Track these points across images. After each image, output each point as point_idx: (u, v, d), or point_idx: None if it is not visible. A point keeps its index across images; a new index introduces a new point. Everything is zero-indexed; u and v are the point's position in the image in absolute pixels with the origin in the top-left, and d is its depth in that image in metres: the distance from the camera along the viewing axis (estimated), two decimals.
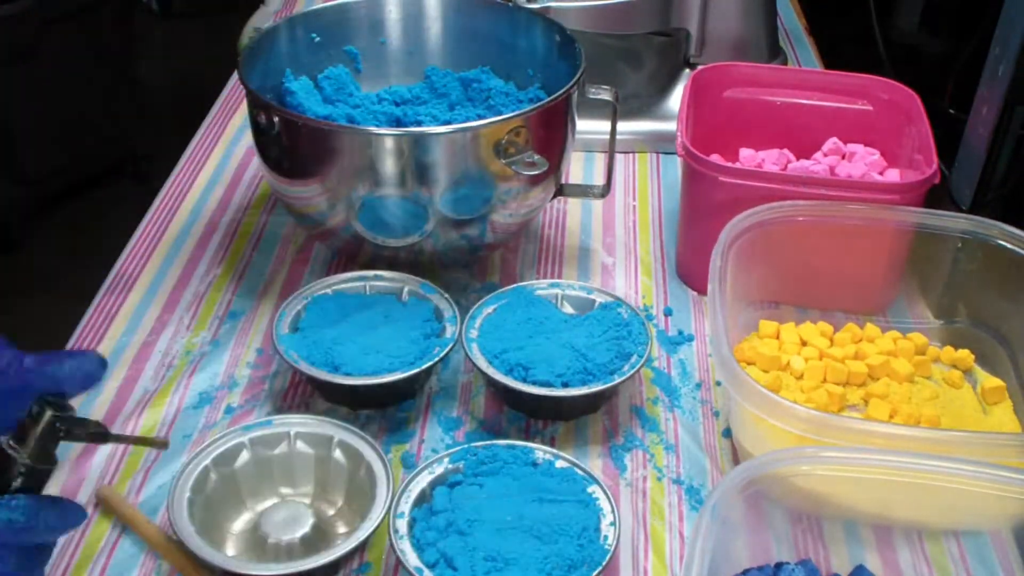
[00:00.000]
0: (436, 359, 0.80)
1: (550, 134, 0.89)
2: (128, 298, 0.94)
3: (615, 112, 0.94)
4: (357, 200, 0.85)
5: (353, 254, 0.95)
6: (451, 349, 0.81)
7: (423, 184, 0.84)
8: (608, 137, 0.96)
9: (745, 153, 1.05)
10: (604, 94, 0.92)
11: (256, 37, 0.95)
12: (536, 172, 0.84)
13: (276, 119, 0.85)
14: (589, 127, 1.04)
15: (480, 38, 1.03)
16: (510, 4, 1.03)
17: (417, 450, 0.80)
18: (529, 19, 1.00)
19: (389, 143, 0.82)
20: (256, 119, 0.88)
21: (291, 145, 0.86)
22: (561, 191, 0.97)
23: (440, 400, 0.85)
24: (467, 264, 0.98)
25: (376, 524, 0.68)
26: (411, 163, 0.83)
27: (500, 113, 0.97)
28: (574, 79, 0.89)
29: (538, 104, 0.86)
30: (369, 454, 0.73)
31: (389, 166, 0.83)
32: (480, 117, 0.99)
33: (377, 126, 0.96)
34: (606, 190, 0.99)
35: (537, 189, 0.91)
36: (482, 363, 0.80)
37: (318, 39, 1.00)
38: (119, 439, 0.64)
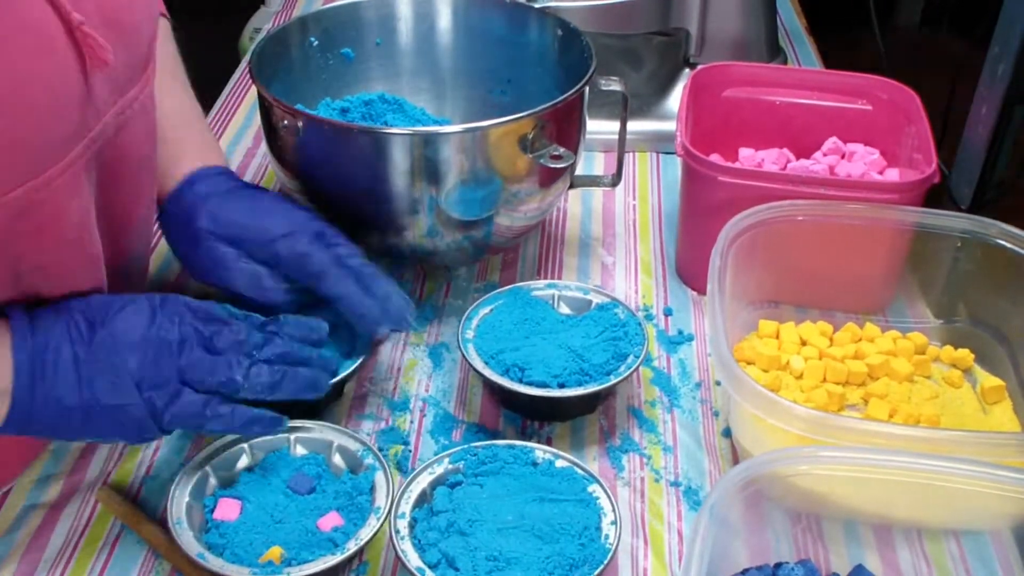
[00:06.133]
0: None
1: (569, 128, 0.89)
2: None
3: (626, 101, 0.94)
4: (379, 199, 0.85)
5: (361, 248, 0.95)
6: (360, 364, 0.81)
7: (435, 182, 0.83)
8: (605, 134, 0.96)
9: (745, 153, 1.05)
10: (615, 85, 0.93)
11: (262, 41, 0.95)
12: (563, 165, 0.84)
13: (300, 123, 0.84)
14: (588, 126, 1.04)
15: (484, 36, 1.03)
16: (509, 1, 1.03)
17: (413, 451, 0.80)
18: (533, 16, 1.01)
19: (408, 142, 0.82)
20: (276, 122, 0.87)
21: (321, 148, 0.85)
22: (572, 183, 0.97)
23: (436, 401, 0.85)
24: (475, 262, 0.99)
25: (376, 528, 0.68)
26: (422, 161, 0.82)
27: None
28: (589, 72, 0.89)
29: (560, 99, 0.85)
30: (368, 458, 0.73)
31: (408, 164, 0.83)
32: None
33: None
34: (616, 179, 0.99)
35: (557, 183, 0.91)
36: (478, 364, 0.80)
37: (316, 42, 1.00)
38: None
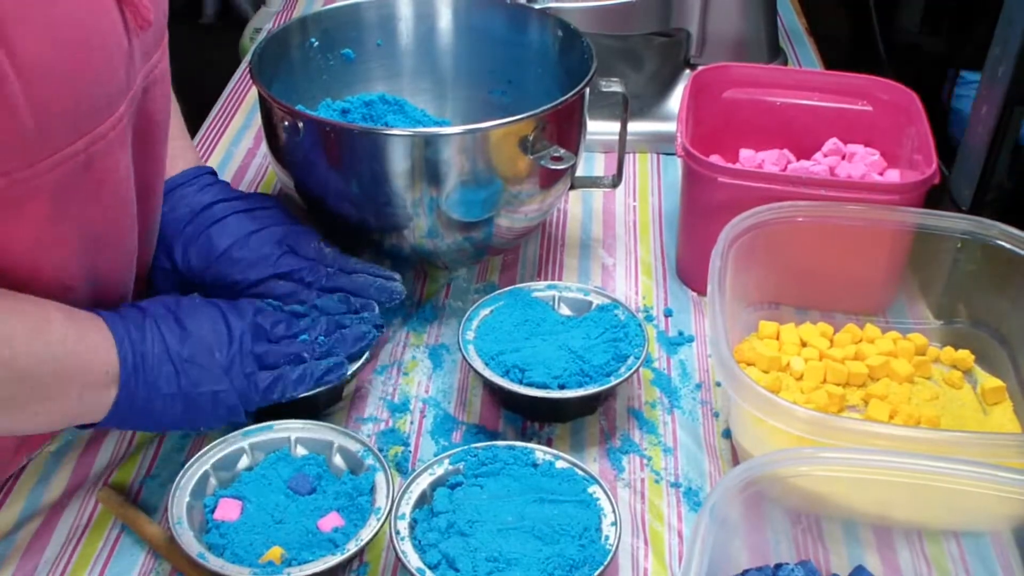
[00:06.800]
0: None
1: (570, 129, 0.89)
2: None
3: (626, 102, 0.94)
4: (379, 200, 0.85)
5: (362, 248, 0.95)
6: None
7: (436, 183, 0.83)
8: (606, 135, 0.96)
9: (745, 154, 1.05)
10: (615, 86, 0.93)
11: (262, 42, 0.95)
12: (564, 166, 0.85)
13: (301, 124, 0.84)
14: (588, 127, 1.04)
15: (485, 37, 1.04)
16: (509, 2, 1.03)
17: (413, 452, 0.80)
18: (533, 17, 1.01)
19: (409, 143, 0.82)
20: (277, 123, 0.87)
21: (321, 149, 0.85)
22: (572, 184, 0.97)
23: (437, 402, 0.85)
24: (475, 263, 0.99)
25: (376, 529, 0.68)
26: (422, 162, 0.82)
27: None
28: (589, 73, 0.89)
29: (560, 100, 0.85)
30: (368, 459, 0.73)
31: (409, 165, 0.83)
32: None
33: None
34: (617, 180, 0.99)
35: (558, 184, 0.91)
36: (478, 365, 0.80)
37: (317, 43, 1.00)
38: None
